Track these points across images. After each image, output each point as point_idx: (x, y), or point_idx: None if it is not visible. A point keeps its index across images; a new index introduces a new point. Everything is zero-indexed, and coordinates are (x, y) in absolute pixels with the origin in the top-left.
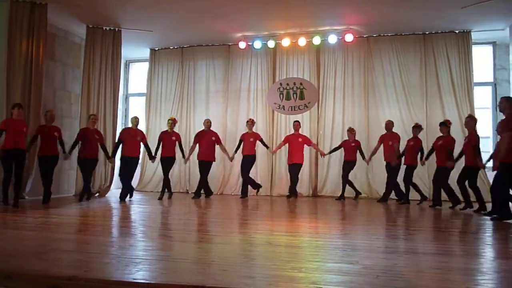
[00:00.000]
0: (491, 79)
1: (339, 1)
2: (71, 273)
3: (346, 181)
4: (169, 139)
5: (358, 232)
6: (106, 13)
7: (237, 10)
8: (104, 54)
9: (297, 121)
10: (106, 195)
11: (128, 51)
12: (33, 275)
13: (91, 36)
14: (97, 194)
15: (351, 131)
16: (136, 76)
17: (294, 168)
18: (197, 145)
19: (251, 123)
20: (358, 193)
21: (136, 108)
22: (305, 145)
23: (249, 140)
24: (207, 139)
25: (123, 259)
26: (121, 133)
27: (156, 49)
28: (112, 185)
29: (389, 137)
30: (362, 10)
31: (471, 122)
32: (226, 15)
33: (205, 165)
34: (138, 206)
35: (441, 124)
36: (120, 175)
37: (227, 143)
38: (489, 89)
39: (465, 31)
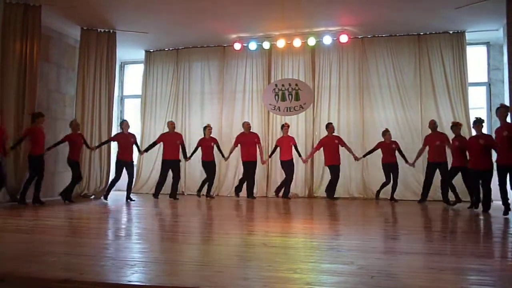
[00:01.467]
0: (485, 79)
1: (333, 2)
2: (66, 276)
3: (396, 184)
4: (208, 145)
5: (353, 233)
6: (101, 15)
7: (232, 12)
8: (98, 56)
9: (331, 123)
10: (102, 197)
11: (123, 53)
12: (27, 278)
13: (86, 38)
14: (92, 197)
15: (387, 132)
16: (131, 78)
17: (334, 169)
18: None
19: (287, 127)
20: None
21: (131, 110)
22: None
23: (289, 145)
24: (250, 141)
25: (118, 262)
26: (160, 137)
27: (151, 50)
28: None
29: (436, 137)
30: (356, 11)
31: (504, 111)
32: (221, 16)
33: (251, 166)
34: (133, 208)
35: (475, 122)
36: (162, 179)
37: (221, 144)
38: (483, 89)
39: (459, 31)
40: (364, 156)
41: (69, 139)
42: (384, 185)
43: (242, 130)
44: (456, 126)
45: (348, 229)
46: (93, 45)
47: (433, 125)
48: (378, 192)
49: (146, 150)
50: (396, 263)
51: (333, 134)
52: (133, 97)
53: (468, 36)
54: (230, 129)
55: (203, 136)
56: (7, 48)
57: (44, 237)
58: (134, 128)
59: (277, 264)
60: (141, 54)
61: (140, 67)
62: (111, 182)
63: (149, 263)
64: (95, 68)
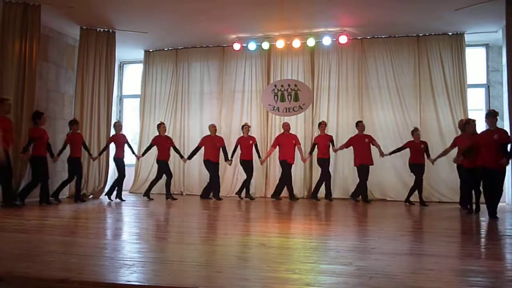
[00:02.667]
0: (484, 81)
1: (333, 3)
2: (65, 276)
3: (420, 186)
4: (247, 144)
5: (352, 234)
6: (100, 15)
7: (231, 12)
8: (98, 56)
9: (361, 121)
10: (100, 197)
11: (122, 52)
12: (26, 278)
13: (85, 37)
14: (91, 196)
15: (417, 131)
16: (130, 77)
17: (363, 170)
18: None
19: (324, 125)
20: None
21: (130, 110)
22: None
23: (326, 143)
24: (289, 142)
25: (116, 261)
26: (202, 140)
27: (151, 50)
28: (106, 187)
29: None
30: (356, 12)
31: None
32: (221, 16)
33: (286, 166)
34: (132, 208)
35: (488, 115)
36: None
37: None
38: (482, 91)
39: (459, 33)
40: (390, 153)
41: (114, 140)
42: (419, 188)
43: (244, 131)
44: (469, 124)
45: (347, 229)
46: (92, 45)
47: (463, 125)
48: (420, 197)
49: (191, 156)
50: (395, 264)
51: (364, 132)
52: (132, 97)
53: (467, 38)
54: (229, 130)
55: (241, 135)
56: (6, 47)
57: (43, 237)
58: (133, 128)
59: (276, 264)
60: (140, 54)
61: (139, 67)
62: (155, 182)
63: (147, 263)
64: (94, 67)
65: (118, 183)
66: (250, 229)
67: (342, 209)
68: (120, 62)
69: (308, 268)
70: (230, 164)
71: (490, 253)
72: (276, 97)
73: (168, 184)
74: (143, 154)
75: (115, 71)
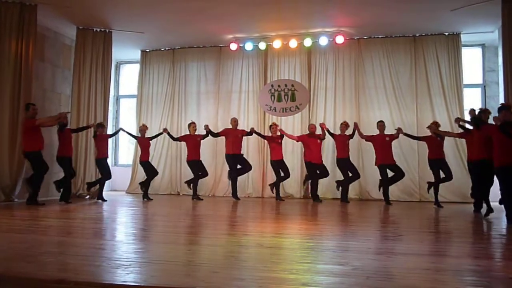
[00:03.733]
0: (480, 81)
1: (330, 3)
2: (61, 276)
3: (437, 184)
4: (277, 142)
5: (348, 234)
6: (97, 15)
7: (228, 12)
8: (94, 56)
9: (381, 121)
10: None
11: (119, 52)
12: (22, 278)
13: (82, 37)
14: (87, 197)
15: (435, 124)
16: (127, 77)
17: (383, 169)
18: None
19: (344, 126)
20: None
21: (127, 110)
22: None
23: (345, 143)
24: (315, 143)
25: (113, 262)
26: (224, 130)
27: (147, 50)
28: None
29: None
30: (353, 12)
31: None
32: (218, 17)
33: (313, 167)
34: (129, 208)
35: (500, 109)
36: (234, 173)
37: (218, 144)
38: (478, 91)
39: (455, 33)
40: (405, 134)
41: (139, 143)
42: (437, 185)
43: (272, 130)
44: (485, 113)
45: (343, 230)
46: (89, 45)
47: (473, 115)
48: (436, 197)
49: (210, 133)
50: (391, 264)
51: (385, 132)
52: (129, 97)
53: (464, 38)
54: None
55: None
56: (2, 47)
57: (39, 237)
58: (130, 128)
59: (272, 264)
60: (137, 54)
61: (136, 67)
62: (196, 181)
63: (144, 263)
64: (90, 67)
65: (148, 183)
66: (248, 229)
67: (338, 210)
68: (117, 62)
69: (304, 268)
70: (250, 131)
71: (487, 252)
72: (273, 97)
73: (195, 184)
74: (172, 137)
75: (112, 71)
